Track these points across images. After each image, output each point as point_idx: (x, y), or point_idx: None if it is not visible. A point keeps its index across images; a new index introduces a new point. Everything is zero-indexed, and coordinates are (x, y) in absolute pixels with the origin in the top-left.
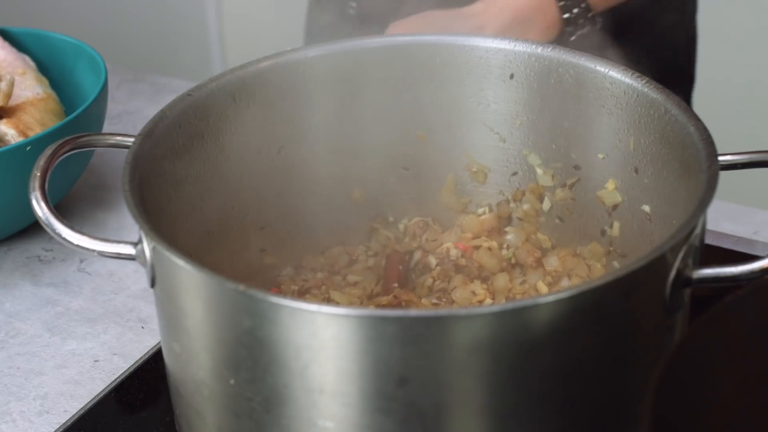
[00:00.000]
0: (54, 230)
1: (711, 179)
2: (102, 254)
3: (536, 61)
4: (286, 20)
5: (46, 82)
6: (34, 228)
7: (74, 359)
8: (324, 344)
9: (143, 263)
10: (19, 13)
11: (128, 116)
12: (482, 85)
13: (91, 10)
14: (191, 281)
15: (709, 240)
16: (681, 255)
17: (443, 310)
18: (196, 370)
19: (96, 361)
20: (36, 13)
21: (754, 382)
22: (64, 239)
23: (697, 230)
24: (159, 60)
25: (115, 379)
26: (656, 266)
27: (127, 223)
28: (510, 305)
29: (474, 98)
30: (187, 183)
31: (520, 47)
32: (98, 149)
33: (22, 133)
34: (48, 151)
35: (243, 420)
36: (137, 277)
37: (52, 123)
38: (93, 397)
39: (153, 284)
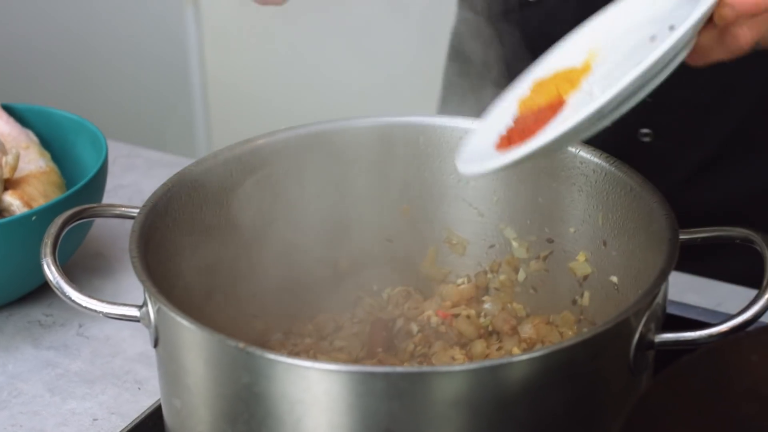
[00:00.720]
0: (64, 293)
1: (671, 251)
2: (108, 315)
3: None
4: (265, 98)
5: (48, 156)
6: (34, 294)
7: (74, 418)
8: (316, 398)
9: (147, 325)
10: (19, 89)
11: (123, 190)
12: None
13: (85, 88)
14: (194, 340)
15: (674, 311)
16: (644, 320)
17: (427, 367)
18: (196, 423)
19: (95, 419)
20: (33, 89)
21: None
22: (74, 302)
23: (659, 298)
24: (150, 137)
25: None
26: (621, 329)
27: (122, 290)
28: (487, 363)
29: (454, 175)
30: (186, 252)
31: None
32: (95, 223)
33: (26, 203)
34: (59, 220)
35: None
36: (133, 341)
37: (54, 195)
38: None
39: (156, 344)
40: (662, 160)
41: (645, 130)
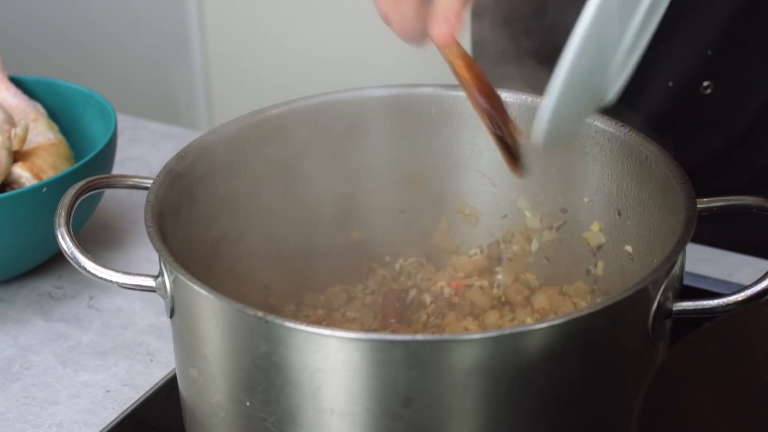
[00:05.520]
0: (79, 263)
1: (689, 219)
2: (123, 286)
3: (526, 111)
4: (268, 69)
5: (56, 128)
6: (44, 266)
7: (87, 390)
8: (336, 367)
9: (163, 295)
10: (26, 60)
11: (131, 162)
12: (475, 133)
13: (89, 60)
14: (212, 309)
15: (687, 281)
16: (662, 288)
17: (447, 335)
18: (213, 393)
19: (108, 391)
20: (37, 61)
21: (732, 399)
22: (89, 272)
23: (677, 266)
24: (152, 109)
25: (127, 408)
26: (639, 298)
27: (132, 262)
28: (507, 331)
29: (467, 145)
30: (199, 222)
31: (511, 98)
32: (103, 195)
33: (36, 175)
34: (72, 191)
35: None
36: (144, 313)
37: (64, 167)
38: (106, 424)
39: (172, 314)
40: (724, 110)
41: (706, 83)
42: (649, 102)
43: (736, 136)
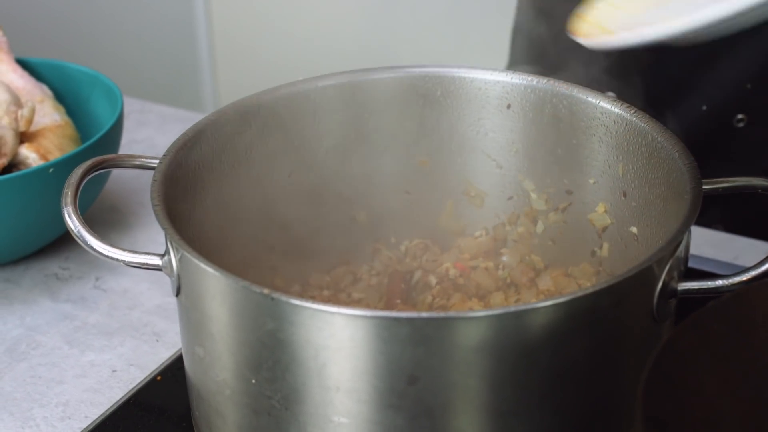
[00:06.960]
0: (85, 242)
1: (695, 199)
2: (129, 264)
3: (532, 92)
4: (273, 52)
5: (62, 109)
6: (51, 247)
7: (93, 369)
8: (341, 344)
9: (169, 273)
10: (30, 42)
11: (137, 144)
12: (481, 115)
13: (95, 43)
14: (218, 287)
15: (692, 264)
16: (667, 268)
17: (452, 313)
18: (219, 371)
19: (114, 371)
20: (47, 44)
21: (736, 378)
22: (95, 250)
23: (682, 246)
24: (157, 92)
25: (133, 387)
26: (644, 277)
27: (139, 243)
28: (512, 308)
29: (473, 127)
30: (204, 202)
31: (517, 80)
32: (110, 177)
33: (42, 156)
34: (79, 170)
35: (262, 417)
36: (150, 294)
37: (70, 148)
38: (112, 403)
39: (178, 293)
40: (755, 145)
41: (740, 116)
42: (680, 120)
43: (763, 173)
